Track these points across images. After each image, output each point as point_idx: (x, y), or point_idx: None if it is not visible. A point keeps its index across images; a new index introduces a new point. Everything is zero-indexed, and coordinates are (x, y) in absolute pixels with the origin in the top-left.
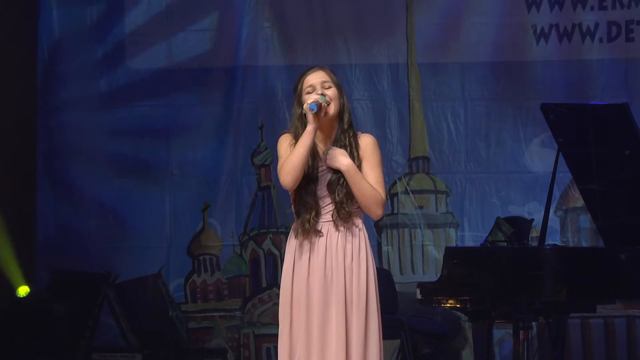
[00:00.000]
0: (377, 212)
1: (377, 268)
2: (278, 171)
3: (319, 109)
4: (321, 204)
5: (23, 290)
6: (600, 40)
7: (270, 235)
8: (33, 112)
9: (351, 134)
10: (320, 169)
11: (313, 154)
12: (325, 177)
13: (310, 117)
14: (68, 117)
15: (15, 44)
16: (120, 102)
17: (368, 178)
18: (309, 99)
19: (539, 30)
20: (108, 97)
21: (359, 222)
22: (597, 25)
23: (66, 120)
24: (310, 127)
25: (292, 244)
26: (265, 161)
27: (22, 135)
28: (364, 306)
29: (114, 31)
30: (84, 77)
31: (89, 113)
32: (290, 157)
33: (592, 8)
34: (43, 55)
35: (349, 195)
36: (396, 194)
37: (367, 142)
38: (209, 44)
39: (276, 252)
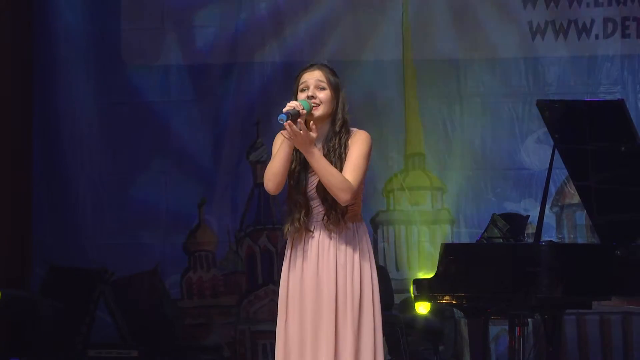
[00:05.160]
0: (342, 196)
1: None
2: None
3: (295, 116)
4: (312, 204)
5: None
6: (596, 36)
7: (266, 231)
8: (29, 110)
9: (343, 136)
10: (310, 168)
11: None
12: (315, 178)
13: (285, 125)
14: (64, 114)
15: (10, 44)
16: (116, 98)
17: (346, 163)
18: (286, 106)
19: (534, 26)
20: (105, 93)
21: (354, 221)
22: (593, 21)
23: (63, 118)
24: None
25: (289, 240)
26: (261, 157)
27: (18, 132)
28: (358, 305)
29: (110, 26)
30: (80, 73)
31: (86, 109)
32: (271, 164)
33: (587, 5)
34: (39, 51)
35: (337, 201)
36: (392, 191)
37: (357, 137)
38: (205, 41)
39: (272, 248)
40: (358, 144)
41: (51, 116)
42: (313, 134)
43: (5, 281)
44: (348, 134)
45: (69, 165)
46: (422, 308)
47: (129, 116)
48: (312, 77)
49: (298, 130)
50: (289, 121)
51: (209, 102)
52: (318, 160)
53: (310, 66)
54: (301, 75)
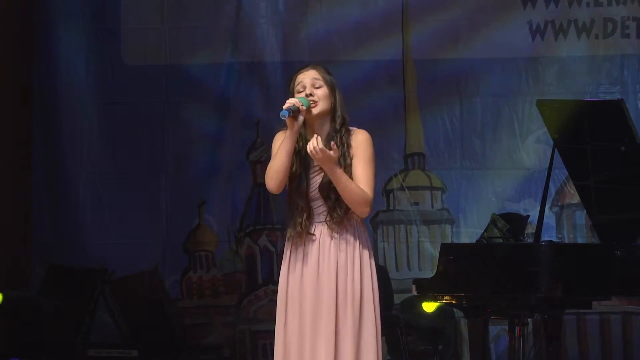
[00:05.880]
0: (362, 210)
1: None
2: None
3: (295, 112)
4: (313, 205)
5: None
6: (596, 36)
7: (266, 231)
8: (29, 110)
9: (344, 133)
10: (312, 169)
11: (306, 153)
12: (317, 179)
13: (286, 121)
14: (65, 113)
15: (10, 44)
16: (116, 98)
17: (356, 174)
18: (286, 103)
19: (534, 26)
20: (104, 93)
21: (355, 221)
22: (592, 21)
23: (63, 117)
24: (288, 132)
25: (288, 243)
26: (261, 157)
27: (17, 131)
28: (359, 305)
29: (110, 26)
30: (80, 73)
31: (86, 109)
32: (272, 163)
33: (587, 4)
34: (38, 52)
35: (340, 200)
36: (392, 191)
37: (359, 139)
38: (205, 40)
39: (272, 248)
40: (361, 148)
41: (51, 116)
42: (334, 154)
43: (5, 281)
44: (349, 132)
45: (69, 165)
46: (428, 307)
47: (128, 116)
48: (308, 77)
49: (299, 127)
50: (290, 117)
51: (209, 102)
52: (340, 177)
53: (304, 67)
54: (296, 77)
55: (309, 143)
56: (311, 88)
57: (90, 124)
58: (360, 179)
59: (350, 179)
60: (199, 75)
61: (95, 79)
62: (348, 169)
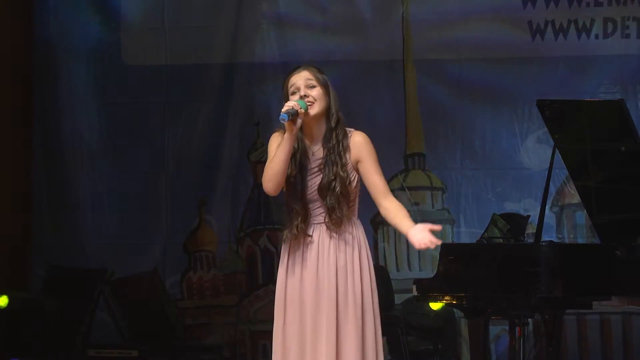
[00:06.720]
0: None
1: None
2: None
3: (294, 115)
4: (311, 207)
5: (2, 301)
6: (596, 36)
7: (267, 231)
8: (29, 110)
9: (340, 133)
10: (310, 171)
11: (301, 155)
12: (315, 181)
13: (285, 124)
14: (64, 114)
15: (10, 44)
16: (116, 98)
17: (373, 182)
18: (284, 107)
19: (534, 26)
20: (104, 93)
21: (352, 222)
22: (592, 21)
23: (63, 117)
24: (286, 135)
25: (285, 245)
26: (261, 158)
27: (18, 132)
28: (360, 306)
29: (110, 27)
30: (80, 73)
31: (86, 109)
32: (270, 165)
33: (588, 4)
34: (38, 52)
35: (340, 200)
36: (392, 191)
37: (360, 142)
38: (205, 40)
39: (272, 248)
40: (365, 152)
41: (51, 116)
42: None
43: (5, 281)
44: (345, 131)
45: (69, 165)
46: (435, 305)
47: (128, 116)
48: (301, 78)
49: (298, 129)
50: (289, 120)
51: (208, 102)
52: None
53: (296, 68)
54: (289, 79)
55: (424, 243)
56: (305, 89)
57: (90, 124)
58: (380, 186)
59: (407, 216)
60: (199, 75)
61: (95, 79)
62: (344, 168)
